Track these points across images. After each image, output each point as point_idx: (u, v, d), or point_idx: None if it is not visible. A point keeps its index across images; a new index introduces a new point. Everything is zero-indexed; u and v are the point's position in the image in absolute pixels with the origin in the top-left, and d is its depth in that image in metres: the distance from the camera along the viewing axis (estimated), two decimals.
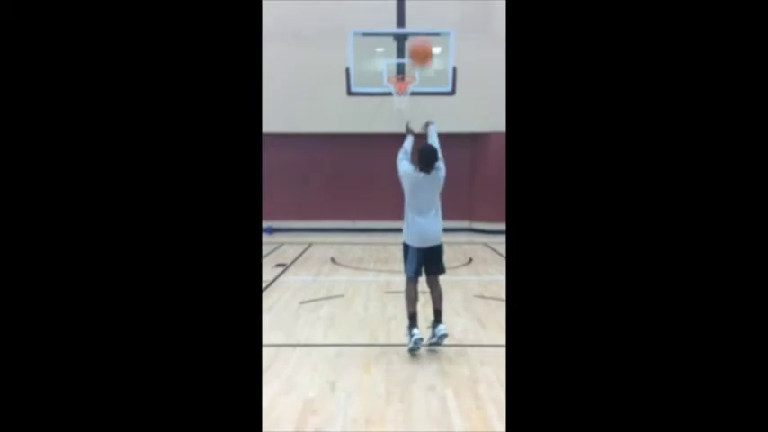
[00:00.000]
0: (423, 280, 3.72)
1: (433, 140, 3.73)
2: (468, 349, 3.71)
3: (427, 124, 3.86)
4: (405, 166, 3.62)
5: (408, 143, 3.76)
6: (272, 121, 9.48)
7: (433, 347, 3.68)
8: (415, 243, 3.58)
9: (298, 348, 3.79)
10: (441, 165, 3.60)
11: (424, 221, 3.54)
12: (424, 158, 3.53)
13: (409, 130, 3.85)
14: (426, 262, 3.63)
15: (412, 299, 3.63)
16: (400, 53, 6.32)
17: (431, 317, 3.73)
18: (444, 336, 3.60)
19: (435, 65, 5.89)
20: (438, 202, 3.62)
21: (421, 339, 3.54)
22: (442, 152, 3.67)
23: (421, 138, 3.81)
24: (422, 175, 3.54)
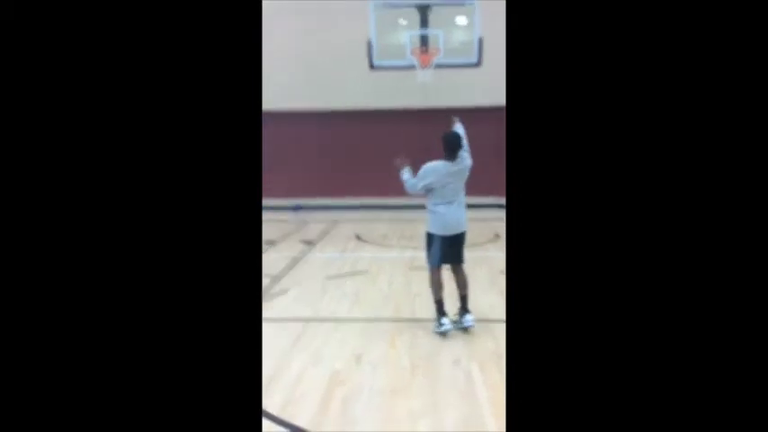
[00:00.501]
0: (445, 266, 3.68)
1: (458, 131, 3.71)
2: (494, 324, 3.70)
3: (453, 122, 3.85)
4: (422, 171, 3.50)
5: (406, 173, 3.62)
6: (295, 98, 9.50)
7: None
8: (440, 231, 3.54)
9: (324, 323, 3.86)
10: (465, 154, 3.58)
11: (449, 210, 3.51)
12: (449, 144, 3.48)
13: (402, 165, 3.68)
14: (450, 249, 3.58)
15: (438, 286, 3.61)
16: (423, 24, 6.16)
17: (457, 302, 3.68)
18: (470, 327, 3.58)
19: (460, 35, 5.72)
20: (463, 192, 3.60)
21: (449, 329, 3.53)
22: (468, 136, 3.65)
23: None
24: (448, 164, 3.48)
